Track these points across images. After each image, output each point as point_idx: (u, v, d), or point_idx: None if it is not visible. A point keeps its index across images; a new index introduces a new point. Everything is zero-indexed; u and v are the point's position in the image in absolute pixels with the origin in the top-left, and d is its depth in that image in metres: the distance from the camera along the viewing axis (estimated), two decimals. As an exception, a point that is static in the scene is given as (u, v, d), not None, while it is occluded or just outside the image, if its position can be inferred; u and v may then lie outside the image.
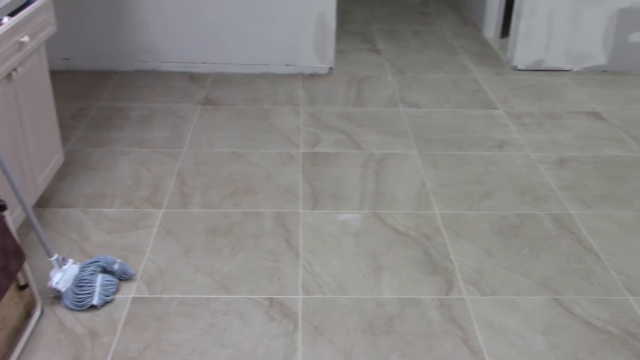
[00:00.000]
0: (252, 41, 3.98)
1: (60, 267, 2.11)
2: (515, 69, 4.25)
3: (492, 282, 2.27)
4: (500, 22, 4.87)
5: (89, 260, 2.22)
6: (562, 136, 3.35)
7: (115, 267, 2.22)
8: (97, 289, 2.12)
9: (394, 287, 2.23)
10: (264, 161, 3.03)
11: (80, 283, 2.12)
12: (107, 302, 2.12)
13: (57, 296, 2.11)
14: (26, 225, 2.29)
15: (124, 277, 2.23)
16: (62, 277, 2.10)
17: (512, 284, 2.27)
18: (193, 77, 3.96)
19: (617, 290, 2.25)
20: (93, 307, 2.09)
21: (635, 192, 2.86)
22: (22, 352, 1.91)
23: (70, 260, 2.17)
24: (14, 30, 2.18)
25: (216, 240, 2.46)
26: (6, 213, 1.86)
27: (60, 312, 2.08)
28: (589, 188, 2.87)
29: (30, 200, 2.40)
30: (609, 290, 2.25)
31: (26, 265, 1.98)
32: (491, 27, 4.89)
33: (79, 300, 2.09)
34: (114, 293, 2.16)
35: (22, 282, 1.99)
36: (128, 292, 2.17)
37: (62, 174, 2.83)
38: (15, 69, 2.23)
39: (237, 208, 2.67)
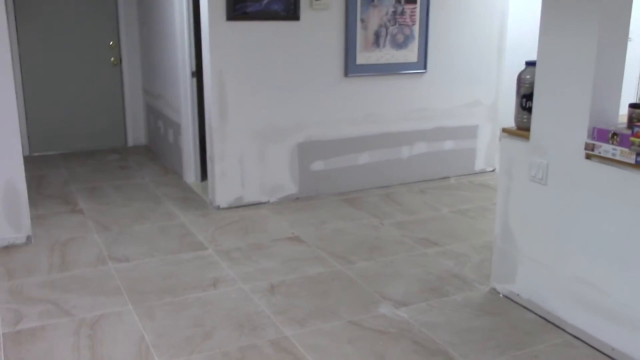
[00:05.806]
0: None
1: None
2: (218, 208, 4.47)
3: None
4: (198, 167, 5.14)
5: None
6: (269, 264, 3.57)
7: None
8: None
9: None
10: (-45, 353, 2.66)
11: None
12: None
13: None
14: None
15: None
16: None
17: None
18: None
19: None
20: None
21: (338, 302, 3.13)
22: None
23: None
24: None
25: None
26: None
27: None
28: (299, 308, 3.07)
29: None
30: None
31: None
32: (191, 173, 5.12)
33: None
34: None
35: None
36: None
37: None
38: None
39: None
